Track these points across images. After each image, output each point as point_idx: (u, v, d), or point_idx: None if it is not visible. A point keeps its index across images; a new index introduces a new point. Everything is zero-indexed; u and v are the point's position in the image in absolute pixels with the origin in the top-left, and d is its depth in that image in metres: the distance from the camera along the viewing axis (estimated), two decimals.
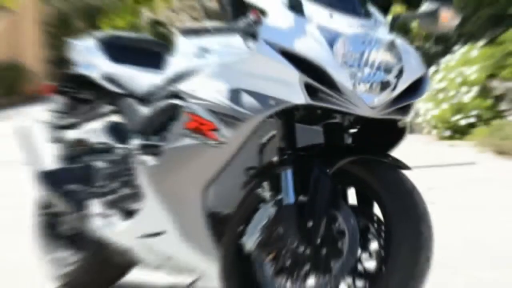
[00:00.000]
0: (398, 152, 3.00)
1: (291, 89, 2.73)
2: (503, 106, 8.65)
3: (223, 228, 3.07)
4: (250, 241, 2.89)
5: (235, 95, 2.87)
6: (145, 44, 3.97)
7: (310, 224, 2.77)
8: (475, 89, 8.72)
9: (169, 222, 3.17)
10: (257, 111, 2.81)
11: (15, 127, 4.09)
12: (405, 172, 2.84)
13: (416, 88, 2.87)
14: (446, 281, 3.90)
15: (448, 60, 9.28)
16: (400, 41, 2.91)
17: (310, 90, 2.72)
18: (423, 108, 9.02)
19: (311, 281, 2.83)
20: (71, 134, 4.08)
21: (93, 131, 3.96)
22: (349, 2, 2.91)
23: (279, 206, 2.85)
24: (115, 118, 3.86)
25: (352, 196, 2.95)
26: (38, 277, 4.17)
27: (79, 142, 4.02)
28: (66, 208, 3.77)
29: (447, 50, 9.84)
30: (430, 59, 9.64)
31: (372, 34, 2.82)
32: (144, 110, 3.49)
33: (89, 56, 3.86)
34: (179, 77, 3.19)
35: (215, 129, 2.91)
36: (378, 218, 2.82)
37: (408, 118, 2.90)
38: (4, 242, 5.02)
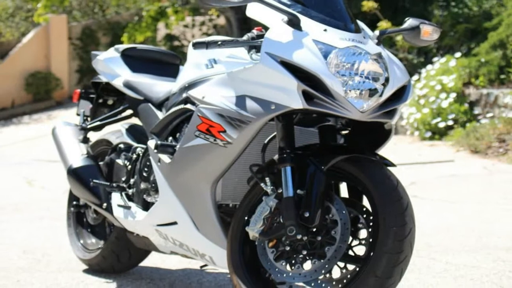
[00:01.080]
0: (385, 151, 3.00)
1: (290, 96, 2.74)
2: (477, 110, 8.64)
3: (230, 218, 3.08)
4: (254, 229, 2.90)
5: (240, 100, 2.88)
6: (161, 56, 3.97)
7: (306, 214, 2.77)
8: (452, 96, 8.70)
9: (182, 213, 3.17)
10: (259, 115, 2.81)
11: (51, 129, 4.09)
12: (391, 168, 2.85)
13: (400, 94, 2.88)
14: (427, 266, 3.90)
15: (428, 70, 9.27)
16: (386, 53, 2.91)
17: (307, 97, 2.72)
18: (407, 112, 9.01)
19: (307, 265, 2.84)
20: (96, 135, 4.09)
21: (115, 132, 3.97)
22: (341, 19, 2.91)
23: (280, 198, 2.86)
24: (135, 121, 3.87)
25: (344, 190, 2.96)
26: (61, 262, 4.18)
27: (103, 142, 4.03)
28: (92, 200, 3.78)
29: (428, 61, 9.83)
30: (413, 69, 9.64)
31: (361, 46, 2.82)
32: (160, 114, 3.50)
33: (112, 66, 3.86)
34: (191, 85, 3.19)
35: (223, 131, 2.91)
36: (367, 209, 2.83)
37: (393, 121, 2.90)
38: (41, 228, 5.03)
